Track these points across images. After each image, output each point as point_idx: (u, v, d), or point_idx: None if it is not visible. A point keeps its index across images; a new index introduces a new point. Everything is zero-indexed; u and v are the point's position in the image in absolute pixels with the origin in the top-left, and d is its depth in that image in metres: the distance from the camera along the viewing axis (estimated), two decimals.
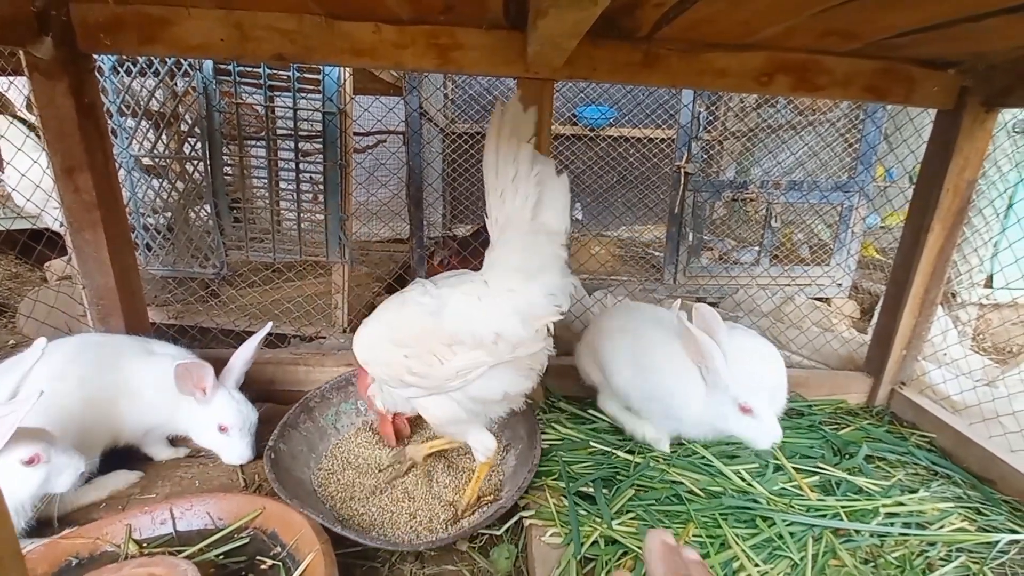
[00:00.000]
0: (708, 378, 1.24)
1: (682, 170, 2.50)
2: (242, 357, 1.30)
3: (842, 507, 1.23)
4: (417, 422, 1.43)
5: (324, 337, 1.98)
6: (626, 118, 4.00)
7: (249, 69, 1.86)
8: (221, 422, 1.22)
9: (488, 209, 1.00)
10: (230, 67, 1.83)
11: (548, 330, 1.00)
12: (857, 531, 1.16)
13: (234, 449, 1.23)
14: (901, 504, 1.25)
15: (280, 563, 0.93)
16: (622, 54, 1.45)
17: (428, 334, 0.99)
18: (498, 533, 1.12)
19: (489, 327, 0.96)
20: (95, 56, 1.43)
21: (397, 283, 2.83)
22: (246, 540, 0.98)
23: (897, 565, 1.09)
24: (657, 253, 3.18)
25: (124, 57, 1.81)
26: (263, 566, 0.94)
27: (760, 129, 3.64)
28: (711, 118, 2.71)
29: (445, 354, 0.97)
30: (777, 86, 1.52)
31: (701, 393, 1.25)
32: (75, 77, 1.35)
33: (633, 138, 3.82)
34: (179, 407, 1.21)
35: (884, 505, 1.24)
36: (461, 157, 3.92)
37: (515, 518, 1.12)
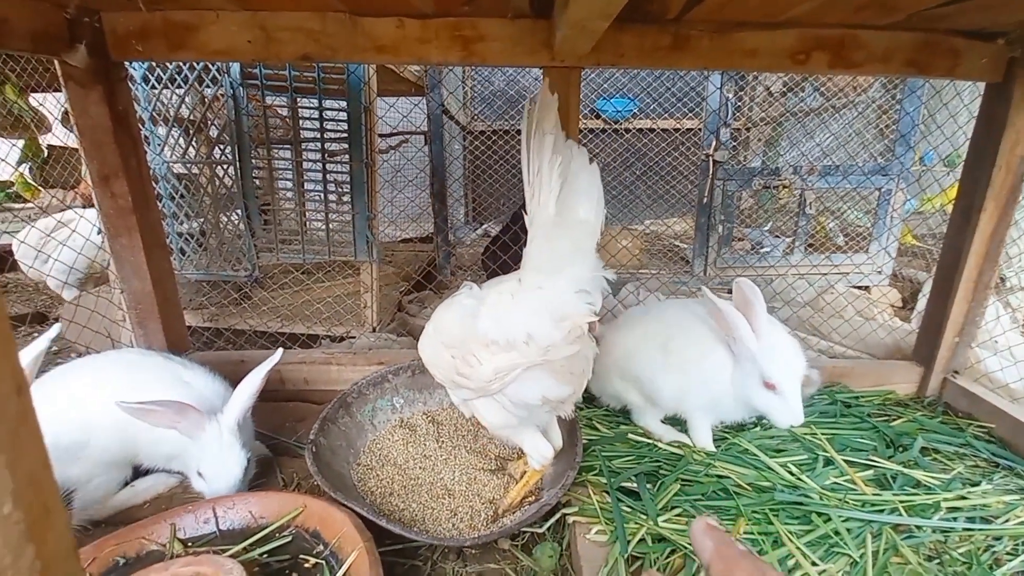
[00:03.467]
0: (735, 349, 1.22)
1: (711, 158, 2.44)
2: (245, 393, 1.13)
3: (900, 502, 1.17)
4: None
5: (354, 337, 1.98)
6: (648, 110, 3.94)
7: (275, 72, 1.88)
8: (200, 469, 1.08)
9: (526, 205, 0.97)
10: (256, 70, 1.85)
11: (584, 332, 0.96)
12: (919, 527, 1.10)
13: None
14: (963, 498, 1.19)
15: (323, 561, 0.92)
16: (650, 38, 1.41)
17: (468, 335, 0.97)
18: (540, 531, 1.09)
19: (520, 328, 0.93)
20: (126, 65, 1.46)
21: (426, 280, 2.83)
22: (289, 538, 0.97)
23: (963, 561, 1.03)
24: (684, 245, 3.11)
25: (154, 64, 1.84)
26: (306, 564, 0.93)
27: (787, 117, 3.54)
28: (739, 104, 2.63)
29: (483, 355, 0.95)
30: (814, 64, 1.46)
31: (730, 364, 1.24)
32: (108, 86, 1.37)
33: (656, 130, 3.75)
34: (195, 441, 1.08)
35: (945, 499, 1.18)
36: (482, 155, 3.91)
37: (557, 516, 1.10)
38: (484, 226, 3.65)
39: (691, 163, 3.85)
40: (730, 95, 2.43)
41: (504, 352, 0.94)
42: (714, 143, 2.45)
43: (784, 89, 3.72)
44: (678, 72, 3.78)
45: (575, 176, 0.92)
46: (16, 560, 0.19)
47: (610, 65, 1.47)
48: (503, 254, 2.16)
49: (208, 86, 1.93)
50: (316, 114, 1.93)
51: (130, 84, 1.63)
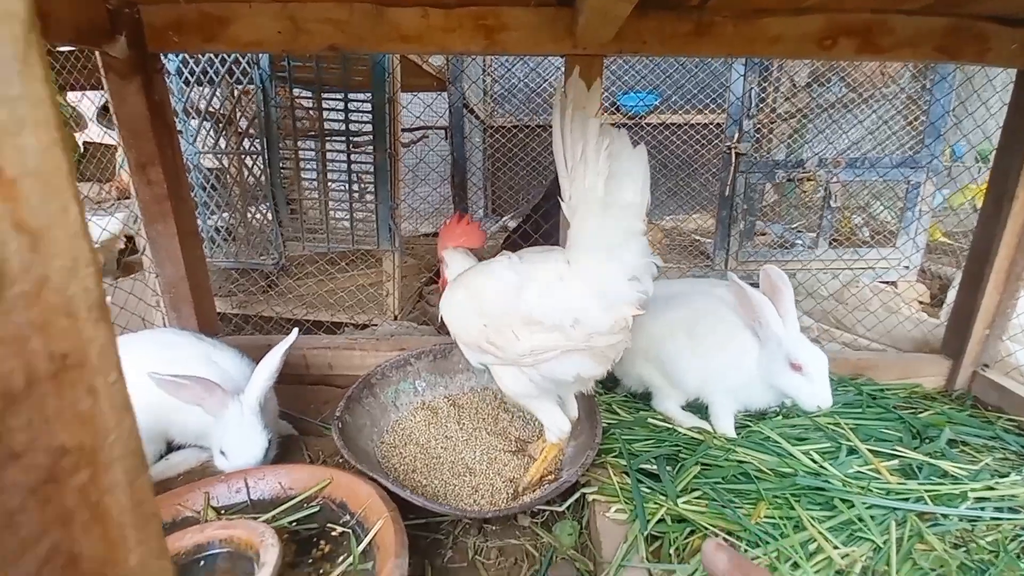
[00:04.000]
0: (761, 334, 1.24)
1: (733, 151, 2.42)
2: (264, 373, 1.14)
3: (926, 491, 1.15)
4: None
5: (376, 325, 2.02)
6: (670, 103, 3.91)
7: (302, 63, 1.93)
8: (223, 447, 1.10)
9: (561, 190, 0.98)
10: (285, 62, 1.90)
11: (630, 323, 0.96)
12: (945, 515, 1.08)
13: None
14: (991, 488, 1.16)
15: (350, 530, 0.95)
16: (672, 25, 1.41)
17: (508, 310, 0.98)
18: (560, 509, 1.11)
19: (568, 311, 0.94)
20: (162, 57, 1.51)
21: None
22: (316, 508, 1.01)
23: (990, 550, 1.02)
24: (705, 240, 3.09)
25: (187, 57, 1.91)
26: (333, 533, 0.96)
27: (811, 109, 3.48)
28: (763, 96, 2.61)
29: (522, 332, 0.96)
30: (840, 50, 1.45)
31: (755, 348, 1.26)
32: (145, 76, 1.43)
33: (675, 124, 3.73)
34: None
35: (973, 490, 1.16)
36: (501, 150, 3.93)
37: (577, 495, 1.11)
38: (502, 219, 3.68)
39: (712, 158, 3.81)
40: (754, 85, 2.40)
41: (546, 332, 0.94)
42: (737, 134, 2.43)
43: (809, 80, 3.66)
44: (702, 62, 3.74)
45: (621, 158, 0.93)
46: (118, 424, 0.22)
47: (632, 53, 1.47)
48: (524, 243, 2.18)
49: (238, 80, 1.99)
50: (341, 106, 1.97)
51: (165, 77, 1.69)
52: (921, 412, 1.50)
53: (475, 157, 3.94)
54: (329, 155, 2.11)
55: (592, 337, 0.94)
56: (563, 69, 1.51)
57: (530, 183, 4.10)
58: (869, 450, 1.28)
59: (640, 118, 3.83)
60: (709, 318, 1.34)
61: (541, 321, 0.95)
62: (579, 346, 0.94)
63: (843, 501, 1.09)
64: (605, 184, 0.91)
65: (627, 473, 1.13)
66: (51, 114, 0.17)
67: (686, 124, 3.72)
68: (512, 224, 3.48)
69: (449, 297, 1.09)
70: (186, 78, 1.95)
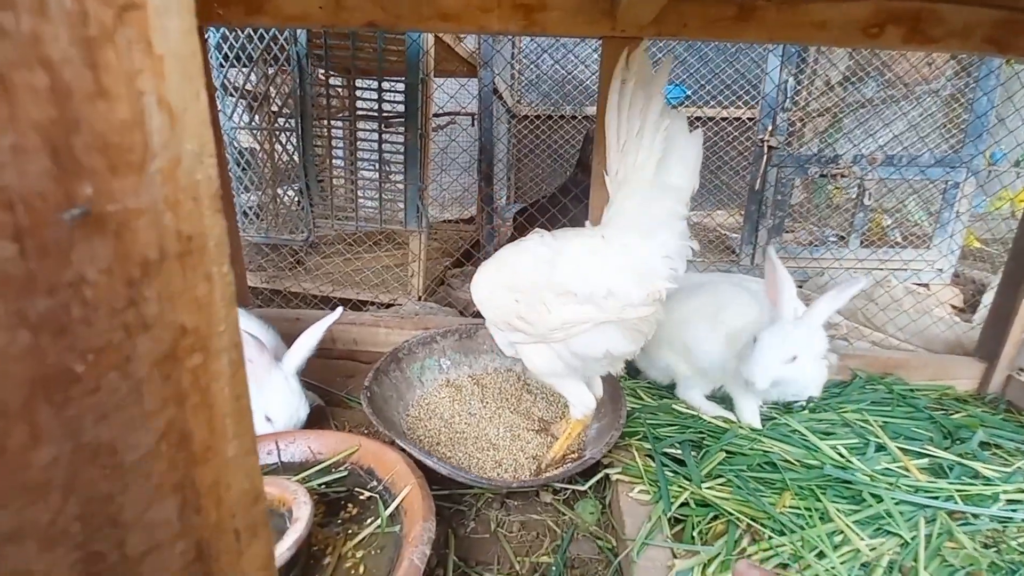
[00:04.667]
0: (771, 314, 1.22)
1: (765, 144, 2.38)
2: (307, 343, 1.20)
3: (956, 491, 1.13)
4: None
5: (401, 304, 2.05)
6: (697, 97, 3.86)
7: (338, 43, 1.94)
8: (267, 412, 1.12)
9: (607, 164, 0.98)
10: (322, 40, 1.92)
11: (663, 296, 0.96)
12: (975, 515, 1.06)
13: None
14: None
15: (377, 495, 0.97)
16: (714, 8, 1.39)
17: (540, 282, 0.98)
18: (583, 488, 1.11)
19: (601, 283, 0.94)
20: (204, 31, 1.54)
21: (464, 257, 2.88)
22: (345, 473, 1.03)
23: (1022, 551, 0.99)
24: (732, 235, 3.04)
25: (227, 31, 1.94)
26: (361, 497, 0.98)
27: (844, 108, 3.41)
28: (797, 90, 2.55)
29: (553, 304, 0.96)
30: (887, 38, 1.41)
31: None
32: None
33: (704, 119, 3.67)
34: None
35: (1005, 491, 1.13)
36: (527, 139, 3.92)
37: (600, 475, 1.12)
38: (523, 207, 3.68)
39: (741, 154, 3.75)
40: (789, 77, 2.36)
41: (578, 305, 0.95)
42: (770, 127, 2.39)
43: (843, 79, 3.57)
44: (733, 56, 3.67)
45: (676, 140, 0.92)
46: (227, 315, 0.23)
47: (671, 36, 1.45)
48: (530, 225, 2.18)
49: (275, 58, 2.01)
50: (374, 86, 1.99)
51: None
52: (953, 414, 1.47)
53: (500, 145, 3.95)
54: (360, 135, 2.13)
55: (625, 309, 0.94)
56: (594, 58, 1.50)
57: (552, 174, 4.09)
58: (898, 448, 1.25)
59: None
60: (733, 306, 1.33)
61: (574, 293, 0.95)
62: (611, 318, 0.94)
63: (872, 495, 1.08)
64: (657, 164, 0.91)
65: (651, 456, 1.13)
66: (191, 3, 0.18)
67: (716, 119, 3.66)
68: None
69: (479, 274, 1.09)
70: (225, 53, 1.98)
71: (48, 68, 0.16)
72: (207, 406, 0.22)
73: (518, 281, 1.02)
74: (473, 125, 3.48)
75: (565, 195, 2.43)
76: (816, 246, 2.68)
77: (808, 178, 2.76)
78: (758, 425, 1.29)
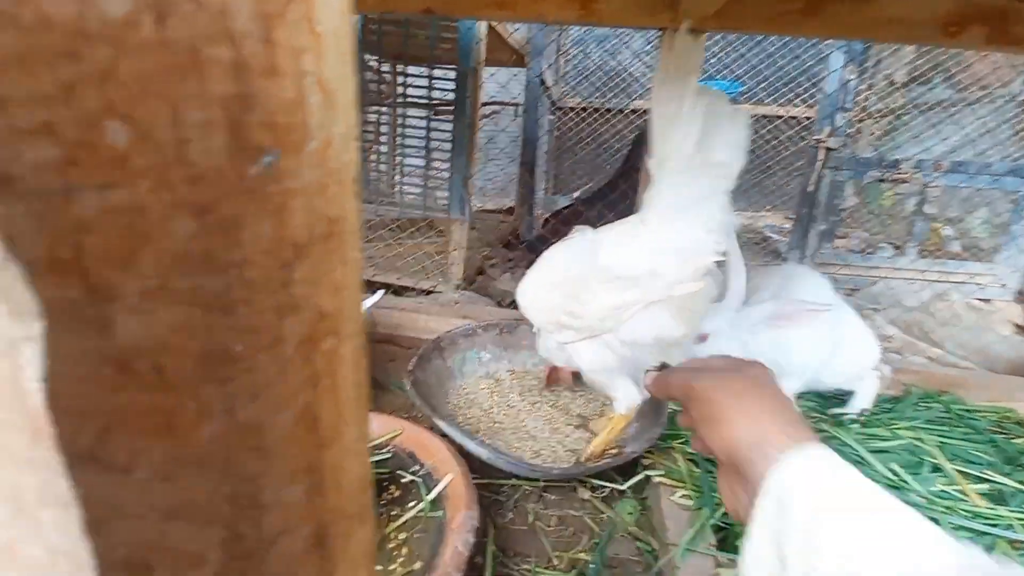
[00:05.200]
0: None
1: (822, 145, 2.28)
2: None
3: (1017, 519, 1.07)
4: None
5: (440, 291, 2.06)
6: (750, 95, 3.73)
7: (392, 29, 1.96)
8: None
9: (650, 145, 0.97)
10: (375, 27, 1.94)
11: (709, 269, 0.95)
12: None
13: None
14: None
15: (420, 479, 0.98)
16: (780, 1, 1.33)
17: (583, 273, 0.98)
18: (621, 487, 1.10)
19: (643, 263, 0.94)
20: None
21: (505, 247, 2.88)
22: (388, 455, 1.04)
23: None
24: (778, 239, 2.95)
25: None
26: (403, 480, 1.00)
27: (908, 109, 3.24)
28: (861, 88, 2.43)
29: (599, 292, 0.96)
30: (968, 38, 1.33)
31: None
32: None
33: (758, 115, 3.55)
34: None
35: None
36: (569, 131, 3.87)
37: (641, 475, 1.10)
38: (562, 201, 3.65)
39: (791, 154, 3.62)
40: (852, 77, 2.25)
41: (623, 289, 0.95)
42: (828, 128, 2.29)
43: (908, 79, 3.40)
44: (791, 52, 3.53)
45: (717, 118, 0.90)
46: (354, 302, 0.23)
47: (733, 29, 1.41)
48: (565, 227, 2.15)
49: None
50: (424, 74, 1.99)
51: None
52: (1014, 438, 1.39)
53: (543, 137, 3.92)
54: (407, 122, 2.14)
55: (673, 286, 0.93)
56: (646, 50, 1.46)
57: (594, 169, 4.04)
58: (956, 470, 1.20)
59: None
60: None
61: (619, 276, 0.95)
62: (660, 297, 0.93)
63: (928, 519, 1.03)
64: (696, 143, 0.90)
65: (694, 461, 1.11)
66: None
67: (769, 116, 3.53)
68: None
69: (524, 282, 1.10)
70: None
71: (231, 42, 0.16)
72: (335, 390, 0.22)
73: (560, 276, 1.02)
74: (517, 117, 3.46)
75: (600, 199, 2.40)
76: (869, 254, 2.56)
77: (861, 182, 2.65)
78: None
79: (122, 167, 0.15)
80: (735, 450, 0.53)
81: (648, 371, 0.74)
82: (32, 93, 0.14)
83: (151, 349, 0.17)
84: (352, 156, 0.20)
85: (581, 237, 1.05)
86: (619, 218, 1.48)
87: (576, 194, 3.42)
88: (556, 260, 1.05)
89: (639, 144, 2.48)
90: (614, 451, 1.15)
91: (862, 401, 1.41)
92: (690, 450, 1.14)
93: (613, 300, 0.95)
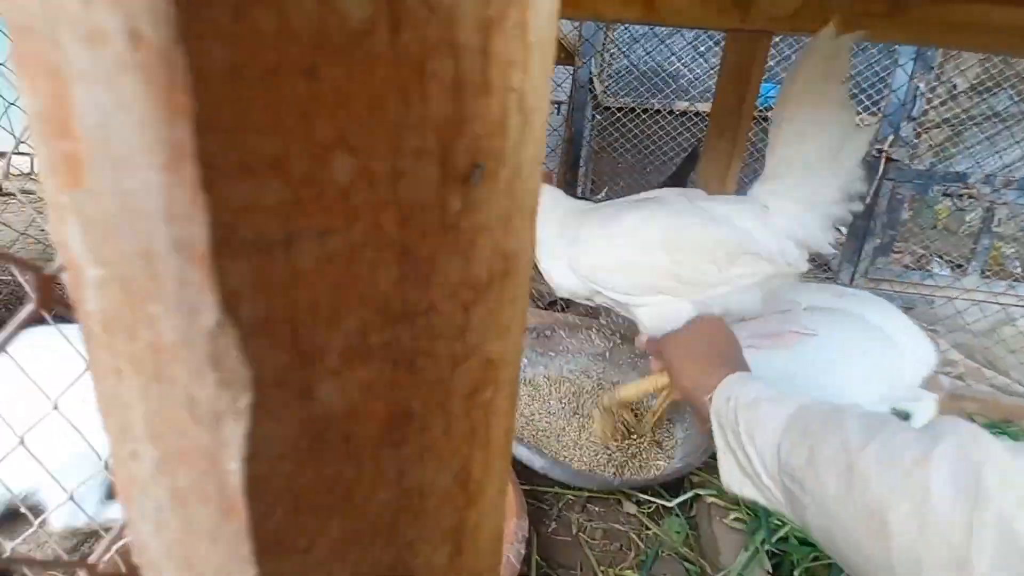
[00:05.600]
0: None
1: (884, 155, 2.17)
2: None
3: None
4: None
5: None
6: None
7: None
8: None
9: (773, 142, 1.04)
10: None
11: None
12: None
13: None
14: None
15: None
16: (862, 2, 1.26)
17: (710, 243, 1.02)
18: (669, 504, 1.07)
19: (773, 245, 1.02)
20: None
21: None
22: None
23: None
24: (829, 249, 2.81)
25: None
26: None
27: (967, 122, 3.08)
28: (928, 97, 2.31)
29: (723, 262, 1.02)
30: None
31: None
32: None
33: None
34: None
35: None
36: (608, 131, 3.80)
37: (690, 494, 1.07)
38: (597, 199, 3.58)
39: None
40: (921, 84, 2.13)
41: (755, 263, 1.03)
42: (891, 138, 2.17)
43: (970, 90, 3.22)
44: (864, 48, 3.38)
45: (848, 128, 0.99)
46: (516, 344, 0.21)
47: (806, 32, 1.34)
48: None
49: None
50: None
51: None
52: None
53: (585, 136, 3.86)
54: None
55: (791, 265, 1.03)
56: (687, 51, 1.41)
57: (631, 169, 3.95)
58: None
59: (766, 110, 3.54)
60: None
61: (749, 252, 1.02)
62: (781, 273, 1.04)
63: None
64: (831, 149, 0.98)
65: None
66: None
67: None
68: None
69: (605, 239, 1.07)
70: None
71: (454, 55, 0.14)
72: (486, 444, 0.20)
73: (683, 241, 1.04)
74: (559, 113, 3.41)
75: None
76: (928, 271, 2.43)
77: (917, 195, 2.51)
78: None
79: (342, 208, 0.13)
80: (689, 394, 0.73)
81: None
82: (265, 122, 0.11)
83: (343, 415, 0.15)
84: (536, 183, 0.18)
85: (690, 207, 1.07)
86: None
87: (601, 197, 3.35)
88: (673, 225, 1.05)
89: (693, 159, 2.44)
90: (662, 463, 1.12)
91: (920, 423, 1.34)
92: None
93: (737, 272, 1.02)
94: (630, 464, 1.16)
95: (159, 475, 0.15)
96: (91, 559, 0.22)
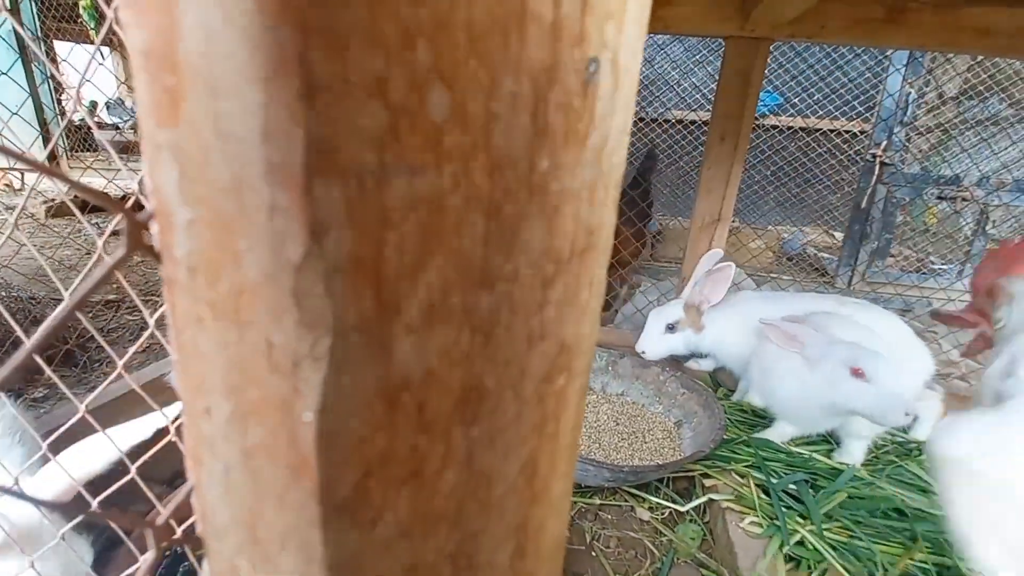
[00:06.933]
0: (808, 354, 1.12)
1: (878, 160, 2.19)
2: None
3: None
4: None
5: None
6: (791, 107, 3.63)
7: None
8: None
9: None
10: None
11: None
12: None
13: None
14: None
15: None
16: (860, 8, 1.27)
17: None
18: (682, 509, 1.05)
19: None
20: None
21: None
22: None
23: None
24: (824, 255, 2.84)
25: None
26: None
27: (956, 125, 3.13)
28: (920, 100, 2.34)
29: None
30: None
31: (796, 369, 1.14)
32: None
33: (798, 129, 3.45)
34: None
35: None
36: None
37: (703, 498, 1.05)
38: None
39: (838, 168, 3.49)
40: (912, 90, 2.16)
41: None
42: (884, 143, 2.20)
43: (959, 93, 3.28)
44: (835, 64, 3.43)
45: None
46: (592, 331, 0.19)
47: (806, 38, 1.35)
48: None
49: None
50: None
51: None
52: None
53: None
54: None
55: None
56: (683, 59, 1.42)
57: (625, 177, 3.96)
58: None
59: (758, 118, 3.57)
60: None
61: None
62: None
63: None
64: None
65: (761, 487, 1.06)
66: None
67: (811, 130, 3.43)
68: None
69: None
70: None
71: None
72: (555, 436, 0.18)
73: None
74: None
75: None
76: (924, 274, 2.45)
77: (907, 199, 2.54)
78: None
79: (435, 147, 0.12)
80: None
81: None
82: (369, 36, 0.11)
83: (419, 381, 0.14)
84: (622, 156, 0.17)
85: None
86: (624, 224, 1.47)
87: None
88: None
89: (651, 158, 2.47)
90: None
91: (927, 425, 1.34)
92: (758, 475, 1.09)
93: None
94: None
95: (231, 431, 0.14)
96: (158, 520, 0.20)
